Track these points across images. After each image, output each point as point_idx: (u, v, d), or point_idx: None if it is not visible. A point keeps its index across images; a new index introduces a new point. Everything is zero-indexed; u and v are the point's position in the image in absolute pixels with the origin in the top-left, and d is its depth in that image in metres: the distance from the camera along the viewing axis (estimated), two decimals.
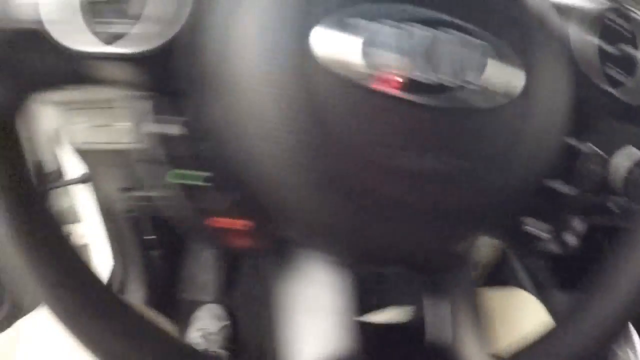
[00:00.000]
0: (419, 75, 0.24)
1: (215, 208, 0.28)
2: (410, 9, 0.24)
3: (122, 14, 0.25)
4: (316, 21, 0.24)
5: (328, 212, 0.26)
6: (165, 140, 0.27)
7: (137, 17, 0.25)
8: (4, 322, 0.85)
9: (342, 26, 0.24)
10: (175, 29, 0.26)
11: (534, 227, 0.32)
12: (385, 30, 0.24)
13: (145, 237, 0.87)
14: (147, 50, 0.26)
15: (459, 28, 0.25)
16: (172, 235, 0.95)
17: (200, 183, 0.28)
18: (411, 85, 0.24)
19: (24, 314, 0.85)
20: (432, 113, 0.25)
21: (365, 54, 0.23)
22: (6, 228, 0.25)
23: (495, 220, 0.29)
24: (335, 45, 0.24)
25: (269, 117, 0.25)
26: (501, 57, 0.26)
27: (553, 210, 0.32)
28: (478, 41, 0.25)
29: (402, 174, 0.25)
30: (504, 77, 0.26)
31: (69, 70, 0.27)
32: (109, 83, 0.28)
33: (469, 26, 0.25)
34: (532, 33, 0.27)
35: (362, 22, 0.24)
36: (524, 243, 0.32)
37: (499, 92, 0.26)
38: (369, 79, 0.24)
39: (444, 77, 0.24)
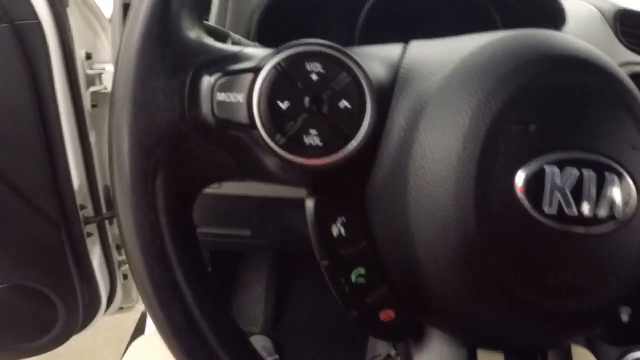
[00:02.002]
0: (567, 209, 0.29)
1: (363, 301, 0.32)
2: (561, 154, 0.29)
3: (318, 126, 0.29)
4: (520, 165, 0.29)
5: (479, 311, 0.30)
6: (325, 237, 0.32)
7: (332, 132, 0.29)
8: (56, 341, 0.89)
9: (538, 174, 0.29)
10: (362, 143, 0.29)
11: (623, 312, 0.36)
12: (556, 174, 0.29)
13: None
14: (334, 161, 0.29)
15: (598, 164, 0.30)
16: (225, 267, 0.99)
17: (356, 279, 0.32)
18: (561, 216, 0.29)
19: (77, 333, 0.90)
20: (576, 238, 0.29)
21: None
22: None
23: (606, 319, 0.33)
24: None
25: (440, 221, 0.29)
26: (621, 180, 0.30)
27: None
28: (612, 176, 0.29)
29: (551, 289, 0.29)
30: (630, 199, 0.30)
31: (249, 166, 0.31)
32: (284, 182, 0.32)
33: (600, 158, 0.30)
34: None
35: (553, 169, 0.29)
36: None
37: (628, 213, 0.30)
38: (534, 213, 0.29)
39: (591, 210, 0.29)
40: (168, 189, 0.30)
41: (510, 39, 0.32)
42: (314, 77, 0.29)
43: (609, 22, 0.81)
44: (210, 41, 0.31)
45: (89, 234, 0.85)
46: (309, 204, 0.31)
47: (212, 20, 0.58)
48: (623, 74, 0.33)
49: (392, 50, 0.33)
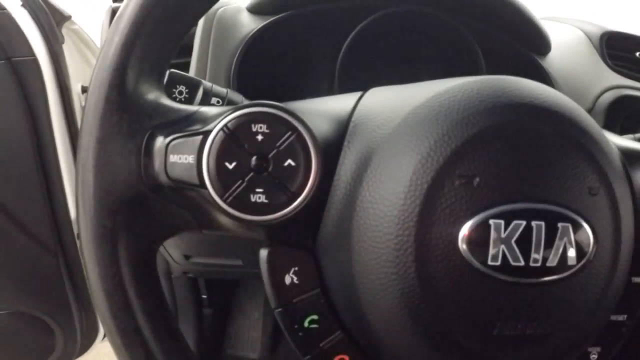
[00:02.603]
0: (513, 260, 0.29)
1: (317, 346, 0.33)
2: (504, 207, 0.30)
3: (270, 185, 0.30)
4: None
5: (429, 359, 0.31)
6: (278, 285, 0.33)
7: (280, 190, 0.30)
8: None
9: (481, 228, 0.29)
10: (306, 199, 0.31)
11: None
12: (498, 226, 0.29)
13: (198, 296, 0.93)
14: (280, 217, 0.31)
15: (549, 214, 0.30)
16: (221, 294, 1.01)
17: (309, 325, 0.33)
18: (506, 267, 0.29)
19: (76, 359, 0.91)
20: (523, 288, 0.30)
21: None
22: None
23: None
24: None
25: (382, 275, 0.30)
26: (575, 228, 0.30)
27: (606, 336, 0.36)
28: (565, 224, 0.30)
29: (502, 338, 0.30)
30: (586, 246, 0.31)
31: (205, 220, 0.32)
32: (239, 234, 0.33)
33: (550, 207, 0.30)
34: (599, 199, 0.32)
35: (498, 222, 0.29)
36: None
37: (575, 261, 0.30)
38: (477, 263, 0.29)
39: (534, 259, 0.29)
40: (129, 244, 0.31)
41: (458, 89, 0.32)
42: (260, 137, 0.30)
43: (595, 45, 0.81)
44: (167, 102, 0.32)
45: None
46: (262, 254, 0.32)
47: (192, 65, 0.60)
48: (579, 113, 0.33)
49: (345, 103, 0.35)
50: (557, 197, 0.30)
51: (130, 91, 0.31)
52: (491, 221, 0.29)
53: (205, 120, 0.31)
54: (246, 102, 0.47)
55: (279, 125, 0.30)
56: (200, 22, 0.62)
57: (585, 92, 0.77)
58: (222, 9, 0.63)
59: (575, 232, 0.30)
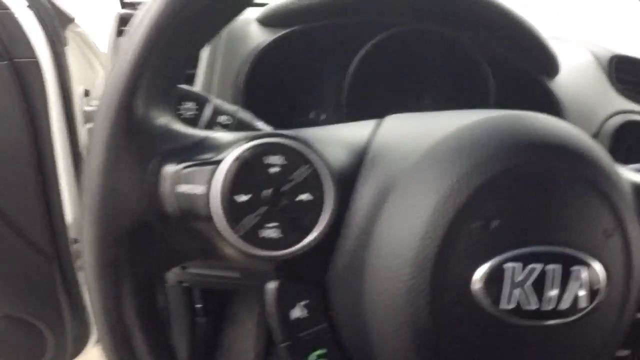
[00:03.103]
0: (526, 304, 0.29)
1: None
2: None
3: (277, 219, 0.29)
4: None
5: None
6: (285, 320, 0.32)
7: (289, 223, 0.29)
8: None
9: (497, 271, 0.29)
10: (321, 235, 0.30)
11: None
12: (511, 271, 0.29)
13: (192, 305, 0.92)
14: (292, 253, 0.30)
15: (564, 257, 0.30)
16: (216, 303, 0.99)
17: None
18: (519, 310, 0.29)
19: None
20: (534, 331, 0.29)
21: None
22: None
23: None
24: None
25: (394, 315, 0.29)
26: (589, 270, 0.30)
27: None
28: (579, 267, 0.29)
29: None
30: (598, 288, 0.30)
31: (212, 251, 0.31)
32: (247, 267, 0.32)
33: (567, 251, 0.30)
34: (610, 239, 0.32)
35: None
36: None
37: (587, 303, 0.30)
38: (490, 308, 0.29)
39: (547, 303, 0.29)
40: (133, 275, 0.30)
41: (481, 125, 0.32)
42: (274, 170, 0.29)
43: (604, 69, 0.81)
44: (177, 127, 0.31)
45: (81, 268, 0.86)
46: (270, 287, 0.31)
47: (199, 78, 0.59)
48: (597, 153, 0.32)
49: (361, 131, 0.34)
50: (574, 240, 0.30)
51: (139, 115, 0.30)
52: (507, 265, 0.29)
53: (218, 148, 0.30)
54: (257, 122, 0.46)
55: (294, 157, 0.29)
56: None
57: (592, 115, 0.76)
58: None
59: (589, 274, 0.30)
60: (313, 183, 0.29)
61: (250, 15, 0.65)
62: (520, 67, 0.71)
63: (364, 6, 0.64)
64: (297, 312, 0.31)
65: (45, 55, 0.76)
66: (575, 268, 0.29)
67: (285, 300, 0.31)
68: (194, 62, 0.60)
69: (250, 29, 0.63)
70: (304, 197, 0.29)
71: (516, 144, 0.30)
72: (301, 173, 0.29)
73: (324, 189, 0.30)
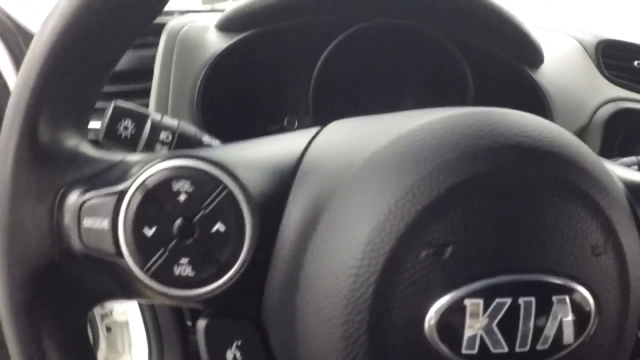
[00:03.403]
0: (493, 347, 0.24)
1: None
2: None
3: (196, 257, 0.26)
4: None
5: None
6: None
7: (208, 261, 0.26)
8: None
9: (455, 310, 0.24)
10: (239, 272, 0.26)
11: None
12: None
13: (183, 323, 0.89)
14: (209, 292, 0.26)
15: (542, 287, 0.24)
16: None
17: None
18: (484, 356, 0.24)
19: None
20: None
21: None
22: None
23: None
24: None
25: (325, 355, 0.25)
26: (573, 299, 0.25)
27: None
28: (561, 297, 0.24)
29: None
30: (587, 319, 0.25)
31: (131, 290, 0.28)
32: (173, 303, 0.29)
33: (543, 278, 0.24)
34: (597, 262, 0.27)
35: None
36: None
37: (573, 338, 0.25)
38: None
39: (521, 343, 0.24)
40: (50, 318, 0.27)
41: (427, 128, 0.26)
42: (183, 197, 0.25)
43: (591, 55, 0.77)
44: (88, 151, 0.28)
45: None
46: (200, 325, 0.28)
47: (153, 92, 0.55)
48: (582, 152, 0.27)
49: (294, 144, 0.29)
50: (553, 263, 0.25)
51: (43, 143, 0.26)
52: (467, 301, 0.23)
53: (126, 174, 0.27)
54: (202, 136, 0.42)
55: (204, 182, 0.25)
56: (162, 43, 0.57)
57: (581, 106, 0.72)
58: (186, 27, 0.58)
59: (573, 305, 0.24)
60: (228, 211, 0.25)
61: (208, 22, 0.61)
62: (502, 58, 0.67)
63: (326, 3, 0.60)
64: (232, 355, 0.27)
65: (12, 75, 0.75)
66: (555, 298, 0.24)
67: (217, 341, 0.27)
68: (147, 75, 0.57)
69: (207, 36, 0.59)
70: (218, 228, 0.25)
71: (473, 148, 0.25)
72: (213, 200, 0.25)
73: (241, 218, 0.25)
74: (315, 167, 0.28)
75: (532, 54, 0.69)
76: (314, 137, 0.29)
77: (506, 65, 0.68)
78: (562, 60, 0.75)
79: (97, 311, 0.92)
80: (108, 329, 0.97)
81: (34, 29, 0.81)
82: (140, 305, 0.82)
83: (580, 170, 0.26)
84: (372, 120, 0.30)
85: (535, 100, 0.68)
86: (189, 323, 0.92)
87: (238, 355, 0.27)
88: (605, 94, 0.74)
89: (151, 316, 0.85)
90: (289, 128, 0.68)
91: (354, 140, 0.28)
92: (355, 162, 0.26)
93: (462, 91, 0.65)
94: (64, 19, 0.26)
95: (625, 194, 0.29)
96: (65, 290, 0.27)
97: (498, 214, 0.24)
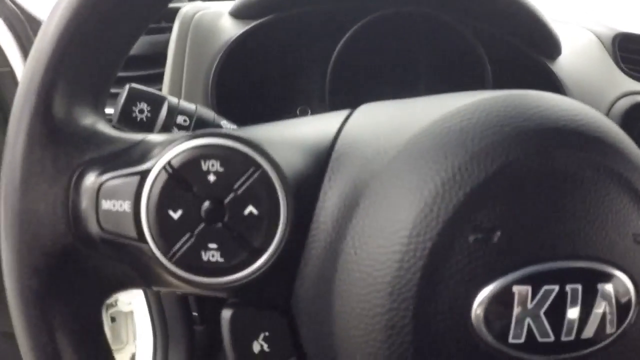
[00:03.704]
0: (540, 336, 0.23)
1: None
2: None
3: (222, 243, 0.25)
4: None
5: None
6: (245, 354, 0.27)
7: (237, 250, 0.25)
8: None
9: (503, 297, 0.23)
10: (273, 258, 0.25)
11: None
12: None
13: (189, 313, 0.88)
14: (239, 279, 0.25)
15: (587, 274, 0.24)
16: (213, 311, 0.96)
17: None
18: (531, 345, 0.23)
19: None
20: None
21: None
22: None
23: None
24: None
25: (370, 357, 0.24)
26: (616, 287, 0.24)
27: None
28: (605, 285, 0.24)
29: None
30: (628, 307, 0.25)
31: (152, 277, 0.27)
32: (196, 292, 0.28)
33: (589, 265, 0.24)
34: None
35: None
36: None
37: (615, 327, 0.24)
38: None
39: (567, 332, 0.23)
40: (63, 308, 0.26)
41: (473, 109, 0.25)
42: (212, 177, 0.24)
43: (608, 48, 0.76)
44: (105, 130, 0.26)
45: None
46: (225, 315, 0.26)
47: (166, 77, 0.54)
48: (622, 138, 0.26)
49: (327, 126, 0.28)
50: (597, 250, 0.24)
51: (58, 119, 0.25)
52: (515, 288, 0.23)
53: (149, 153, 0.25)
54: (220, 120, 0.41)
55: (236, 161, 0.24)
56: (175, 28, 0.56)
57: (598, 98, 0.71)
58: (200, 12, 0.57)
59: (616, 292, 0.24)
60: (261, 193, 0.24)
61: (221, 8, 0.60)
62: (519, 49, 0.66)
63: None
64: (258, 346, 0.26)
65: (19, 63, 0.74)
66: (600, 286, 0.24)
67: (243, 332, 0.26)
68: (161, 61, 0.56)
69: (221, 22, 0.58)
70: (251, 211, 0.24)
71: (519, 130, 0.24)
72: (246, 181, 0.24)
73: (276, 200, 0.24)
74: (351, 149, 0.26)
75: (550, 45, 0.68)
76: (347, 119, 0.28)
77: (524, 55, 0.67)
78: (579, 53, 0.74)
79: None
80: (112, 319, 0.97)
81: (42, 16, 0.80)
82: (146, 295, 0.81)
83: (623, 157, 0.25)
84: (407, 103, 0.29)
85: (552, 91, 0.66)
86: (195, 314, 0.92)
87: (265, 347, 0.26)
88: (622, 87, 0.73)
89: (156, 306, 0.85)
90: (302, 116, 0.67)
91: (391, 121, 0.27)
92: (395, 144, 0.25)
93: (480, 80, 0.64)
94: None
95: None
96: (81, 277, 0.26)
97: (545, 198, 0.24)
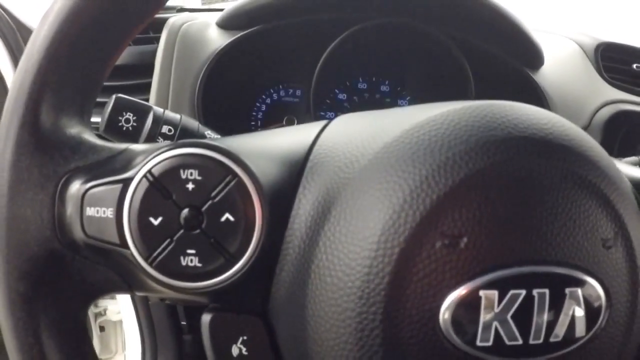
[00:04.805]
0: (508, 339, 0.24)
1: None
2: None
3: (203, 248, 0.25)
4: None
5: None
6: (224, 358, 0.27)
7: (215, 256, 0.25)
8: None
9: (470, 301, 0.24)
10: (249, 263, 0.25)
11: None
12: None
13: (177, 322, 0.88)
14: (217, 284, 0.25)
15: (555, 279, 0.24)
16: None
17: None
18: (499, 348, 0.23)
19: None
20: None
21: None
22: None
23: None
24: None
25: (337, 348, 0.25)
26: (585, 291, 0.25)
27: None
28: (574, 290, 0.24)
29: None
30: (598, 311, 0.25)
31: (135, 282, 0.28)
32: (178, 297, 0.28)
33: (557, 270, 0.24)
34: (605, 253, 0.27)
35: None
36: None
37: (585, 331, 0.25)
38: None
39: (535, 336, 0.24)
40: (48, 310, 0.26)
41: (441, 119, 0.26)
42: (191, 186, 0.25)
43: (590, 58, 0.77)
44: (90, 139, 0.27)
45: None
46: (204, 320, 0.27)
47: (153, 87, 0.55)
48: (592, 146, 0.27)
49: (303, 136, 0.29)
50: (565, 255, 0.24)
51: (45, 129, 0.26)
52: (482, 292, 0.23)
53: (131, 162, 0.26)
54: (204, 130, 0.42)
55: (213, 170, 0.25)
56: (163, 38, 0.57)
57: (581, 107, 0.72)
58: (187, 23, 0.58)
59: (585, 297, 0.24)
60: (237, 201, 0.25)
61: (208, 19, 0.61)
62: (502, 59, 0.67)
63: (328, 3, 0.60)
64: (237, 349, 0.27)
65: (9, 70, 0.74)
66: (568, 290, 0.24)
67: (222, 336, 0.27)
68: (148, 71, 0.56)
69: (208, 33, 0.59)
70: (227, 218, 0.25)
71: (486, 140, 0.25)
72: (222, 189, 0.25)
73: (251, 207, 0.25)
74: (325, 158, 0.27)
75: (532, 56, 0.69)
76: (322, 129, 0.29)
77: (507, 65, 0.68)
78: (562, 63, 0.75)
79: (91, 310, 0.91)
80: (101, 328, 0.97)
81: (33, 24, 0.80)
82: (135, 304, 0.81)
83: (591, 164, 0.26)
84: (381, 114, 0.30)
85: (535, 101, 0.68)
86: (184, 323, 0.91)
87: (244, 350, 0.27)
88: (604, 96, 0.74)
89: (145, 315, 0.85)
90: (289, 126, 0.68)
91: (364, 131, 0.28)
92: (367, 153, 0.26)
93: (464, 90, 0.65)
94: (70, 2, 0.26)
95: (631, 189, 0.30)
96: (66, 281, 0.27)
97: (512, 205, 0.24)
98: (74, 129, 0.27)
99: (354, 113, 0.31)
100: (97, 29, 0.26)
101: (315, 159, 0.27)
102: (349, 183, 0.26)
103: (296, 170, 0.27)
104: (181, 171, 0.25)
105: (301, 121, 0.67)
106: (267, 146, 0.28)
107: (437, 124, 0.26)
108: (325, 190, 0.26)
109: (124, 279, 0.27)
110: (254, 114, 0.66)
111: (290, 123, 0.68)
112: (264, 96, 0.66)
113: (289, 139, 0.29)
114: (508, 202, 0.24)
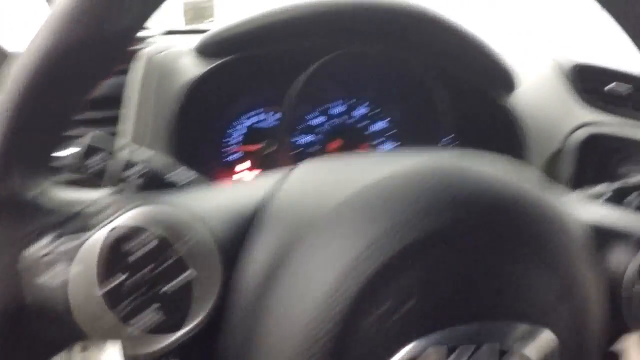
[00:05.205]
0: None
1: None
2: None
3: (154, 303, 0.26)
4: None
5: None
6: None
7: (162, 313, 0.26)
8: None
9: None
10: (197, 328, 0.26)
11: None
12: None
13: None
14: (163, 349, 0.26)
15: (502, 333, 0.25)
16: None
17: None
18: None
19: None
20: None
21: None
22: None
23: None
24: None
25: None
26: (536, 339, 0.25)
27: None
28: (518, 342, 0.25)
29: None
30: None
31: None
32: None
33: (511, 327, 0.25)
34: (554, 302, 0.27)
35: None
36: None
37: None
38: None
39: None
40: None
41: (390, 183, 0.27)
42: (146, 249, 0.25)
43: (567, 79, 0.78)
44: (53, 198, 0.28)
45: None
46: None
47: (129, 124, 0.55)
48: (544, 205, 0.28)
49: (253, 193, 0.29)
50: (514, 310, 0.25)
51: (6, 189, 0.26)
52: (431, 349, 0.24)
53: (92, 221, 0.27)
54: (175, 169, 0.42)
55: (170, 231, 0.26)
56: (139, 69, 0.57)
57: (554, 130, 0.73)
58: (163, 52, 0.59)
59: (538, 348, 0.25)
60: (198, 258, 0.26)
61: (185, 46, 0.61)
62: (474, 84, 0.68)
63: (306, 31, 0.61)
64: None
65: None
66: (520, 343, 0.25)
67: None
68: (113, 103, 0.57)
69: (184, 61, 0.59)
70: (187, 275, 0.25)
71: (431, 204, 0.26)
72: (182, 248, 0.26)
73: (208, 263, 0.26)
74: (280, 212, 0.28)
75: (504, 80, 0.70)
76: (283, 179, 0.30)
77: (478, 91, 0.69)
78: (537, 84, 0.75)
79: None
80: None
81: (9, 48, 0.80)
82: None
83: (539, 229, 0.27)
84: (338, 165, 0.31)
85: (508, 124, 0.69)
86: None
87: None
88: (579, 118, 0.75)
89: None
90: (268, 151, 0.69)
91: (315, 190, 0.29)
92: (315, 216, 0.27)
93: (437, 117, 0.65)
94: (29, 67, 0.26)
95: (588, 236, 0.30)
96: (24, 338, 0.27)
97: (457, 268, 0.25)
98: (31, 193, 0.27)
99: (321, 160, 0.32)
100: (50, 97, 0.27)
101: (270, 212, 0.28)
102: (298, 240, 0.26)
103: (253, 224, 0.28)
104: (140, 232, 0.25)
105: (280, 144, 0.67)
106: (227, 199, 0.29)
107: (384, 187, 0.27)
108: (276, 244, 0.27)
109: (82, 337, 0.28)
110: (234, 137, 0.67)
111: (269, 146, 0.69)
112: (244, 119, 0.67)
113: (242, 194, 0.30)
114: (452, 266, 0.25)
